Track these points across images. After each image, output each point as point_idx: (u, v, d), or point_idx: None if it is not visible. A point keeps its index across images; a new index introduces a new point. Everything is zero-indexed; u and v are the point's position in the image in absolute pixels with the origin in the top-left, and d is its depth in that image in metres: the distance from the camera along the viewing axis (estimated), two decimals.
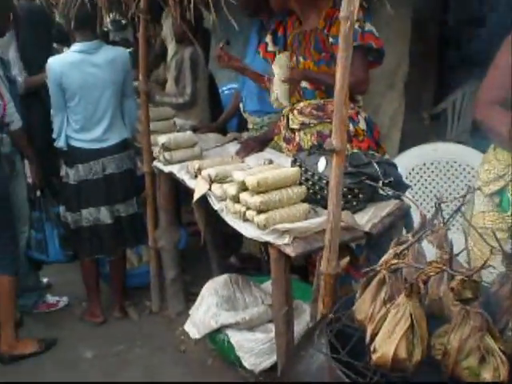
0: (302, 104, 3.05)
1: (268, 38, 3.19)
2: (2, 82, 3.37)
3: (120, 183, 3.62)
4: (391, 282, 1.71)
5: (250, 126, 3.87)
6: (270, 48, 3.25)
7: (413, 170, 3.73)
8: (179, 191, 3.87)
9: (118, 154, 3.58)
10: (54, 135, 3.55)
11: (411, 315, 1.56)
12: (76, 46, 3.42)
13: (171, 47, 4.54)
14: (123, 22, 9.05)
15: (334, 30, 2.80)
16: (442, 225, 1.81)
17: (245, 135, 3.78)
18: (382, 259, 1.78)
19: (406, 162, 3.72)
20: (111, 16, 7.85)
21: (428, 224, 1.85)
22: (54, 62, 3.40)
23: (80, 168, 3.54)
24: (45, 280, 4.34)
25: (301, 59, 3.01)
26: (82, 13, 3.36)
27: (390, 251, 1.81)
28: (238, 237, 3.51)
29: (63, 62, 3.40)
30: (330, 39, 2.84)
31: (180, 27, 3.94)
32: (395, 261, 1.70)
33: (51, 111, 3.59)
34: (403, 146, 4.10)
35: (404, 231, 2.66)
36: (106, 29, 8.42)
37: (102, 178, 3.56)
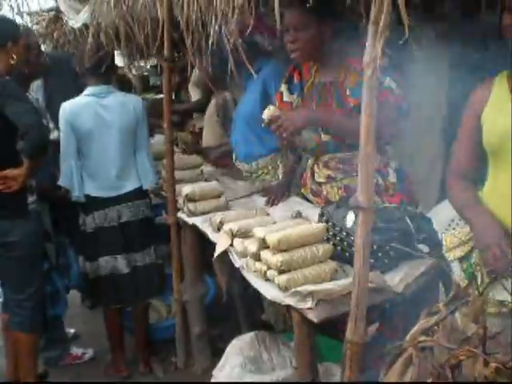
0: (326, 157, 2.89)
1: (283, 87, 3.03)
2: None
3: (136, 232, 3.57)
4: (419, 362, 1.52)
5: (244, 174, 3.78)
6: (286, 98, 3.04)
7: (452, 221, 3.49)
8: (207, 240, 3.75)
9: (133, 201, 3.55)
10: (61, 182, 3.49)
11: None
12: (87, 90, 3.49)
13: (194, 94, 4.52)
14: None
15: (351, 81, 2.66)
16: (477, 295, 1.62)
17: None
18: (409, 334, 1.59)
19: (446, 211, 3.49)
20: (150, 61, 7.95)
21: (462, 293, 1.66)
22: (67, 105, 3.47)
23: (96, 215, 3.52)
24: (71, 331, 4.27)
25: None
26: (95, 59, 3.41)
27: (419, 324, 1.62)
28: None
29: (75, 104, 3.46)
30: (347, 91, 2.68)
31: (207, 75, 3.91)
32: (423, 338, 1.51)
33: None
34: (443, 194, 3.87)
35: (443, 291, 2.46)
36: (146, 73, 8.53)
37: (118, 226, 3.53)
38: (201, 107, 4.88)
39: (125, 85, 5.13)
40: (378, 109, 1.80)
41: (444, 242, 2.29)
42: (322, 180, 2.92)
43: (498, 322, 1.95)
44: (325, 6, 2.63)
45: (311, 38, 2.74)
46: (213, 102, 4.24)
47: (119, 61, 4.16)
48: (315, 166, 2.94)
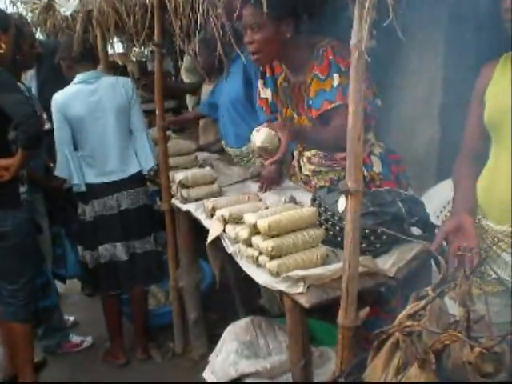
0: (309, 153, 2.88)
1: (259, 82, 2.98)
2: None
3: (136, 219, 3.55)
4: (406, 346, 1.51)
5: (234, 159, 3.77)
6: (263, 94, 2.99)
7: (448, 203, 3.46)
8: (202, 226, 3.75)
9: (133, 188, 3.53)
10: (57, 173, 3.45)
11: None
12: (77, 78, 3.45)
13: (187, 79, 4.49)
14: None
15: (312, 90, 2.58)
16: (464, 278, 1.60)
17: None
18: (397, 319, 1.58)
19: (442, 193, 3.46)
20: (150, 47, 7.90)
21: (450, 276, 1.65)
22: (58, 95, 3.43)
23: (95, 204, 3.50)
24: (71, 318, 4.27)
25: (294, 115, 2.81)
26: (81, 46, 3.39)
27: (407, 309, 1.61)
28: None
29: (66, 94, 3.43)
30: (309, 101, 2.61)
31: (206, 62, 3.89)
32: (410, 322, 1.50)
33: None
34: (440, 176, 3.84)
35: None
36: (144, 59, 8.49)
37: (118, 214, 3.50)
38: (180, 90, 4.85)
39: (117, 70, 5.09)
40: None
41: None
42: (308, 173, 2.93)
43: (496, 301, 1.95)
44: (284, 5, 2.50)
45: (269, 39, 2.54)
46: (210, 87, 4.19)
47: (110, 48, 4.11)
48: (300, 160, 2.93)
